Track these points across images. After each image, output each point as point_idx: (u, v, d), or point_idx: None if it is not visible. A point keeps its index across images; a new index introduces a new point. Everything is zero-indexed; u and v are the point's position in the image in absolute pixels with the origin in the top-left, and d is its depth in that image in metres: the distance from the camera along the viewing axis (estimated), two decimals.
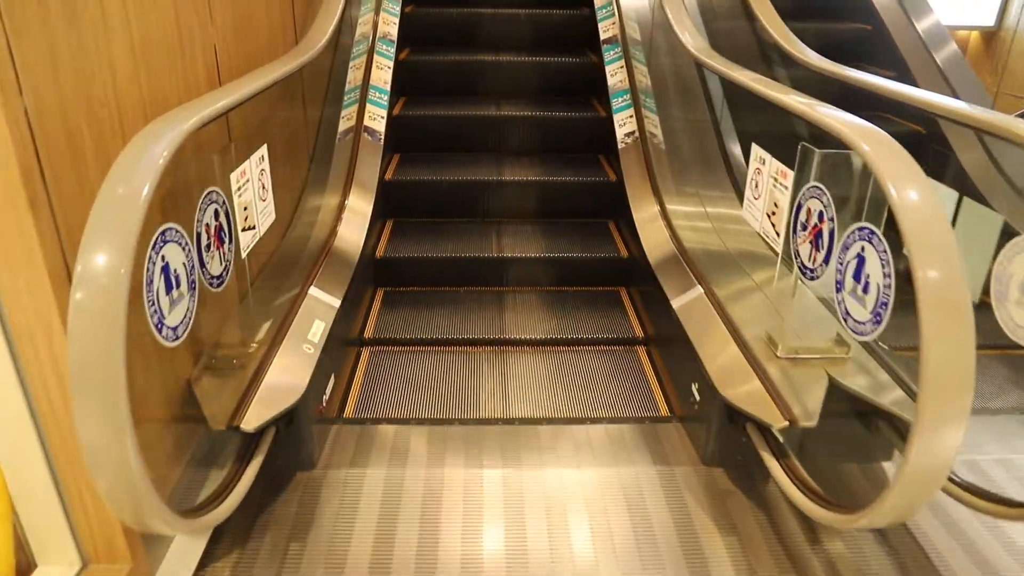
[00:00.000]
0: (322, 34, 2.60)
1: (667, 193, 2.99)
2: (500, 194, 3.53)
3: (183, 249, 1.40)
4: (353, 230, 2.81)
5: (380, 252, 3.20)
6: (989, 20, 5.86)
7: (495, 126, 3.81)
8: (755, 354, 2.07)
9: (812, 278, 1.70)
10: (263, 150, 1.90)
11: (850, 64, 2.46)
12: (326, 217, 2.81)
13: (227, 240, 1.65)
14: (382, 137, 3.35)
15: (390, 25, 3.75)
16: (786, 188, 1.76)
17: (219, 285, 1.61)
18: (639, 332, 2.93)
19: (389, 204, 3.47)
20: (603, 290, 3.29)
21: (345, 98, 3.35)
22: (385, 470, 2.15)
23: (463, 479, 2.12)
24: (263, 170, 1.89)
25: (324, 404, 2.23)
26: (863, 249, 1.42)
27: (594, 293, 3.27)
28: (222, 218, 1.62)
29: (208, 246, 1.55)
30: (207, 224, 1.54)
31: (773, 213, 1.85)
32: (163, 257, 1.32)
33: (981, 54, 5.92)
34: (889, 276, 1.33)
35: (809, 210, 1.67)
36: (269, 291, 2.28)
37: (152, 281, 1.28)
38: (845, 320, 1.49)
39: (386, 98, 3.50)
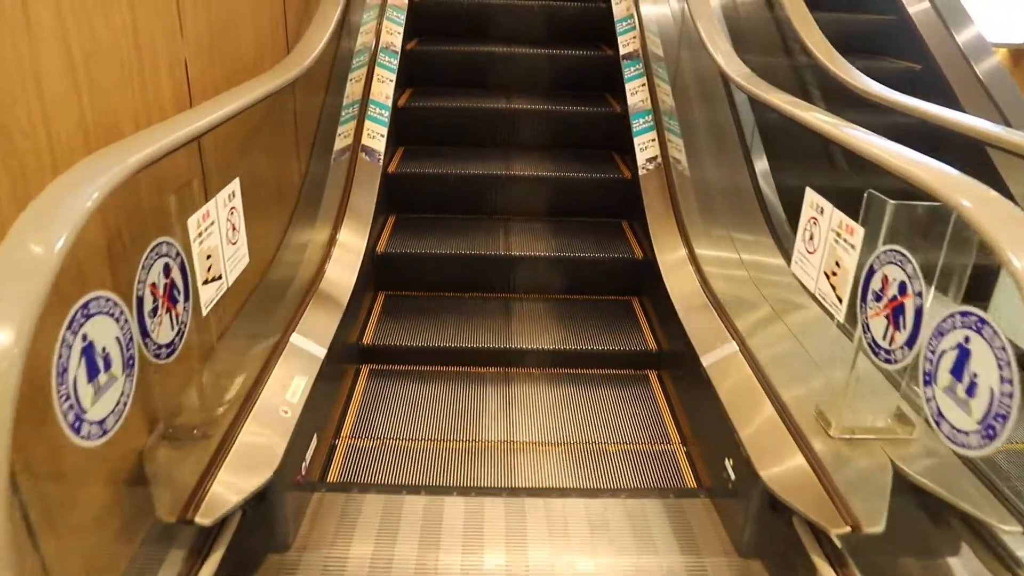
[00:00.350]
0: (313, 47, 2.32)
1: (693, 228, 2.70)
2: (508, 190, 3.37)
3: (116, 321, 1.11)
4: (343, 269, 2.52)
5: (381, 248, 3.00)
6: (1020, 37, 5.61)
7: (504, 120, 3.66)
8: (802, 430, 1.78)
9: (888, 361, 1.41)
10: (234, 185, 1.62)
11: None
12: (314, 253, 2.52)
13: (182, 298, 1.37)
14: (381, 157, 3.07)
15: (394, 35, 3.47)
16: (853, 247, 1.47)
17: (169, 355, 1.32)
18: (652, 345, 2.77)
19: (392, 198, 3.30)
20: (615, 300, 3.12)
21: (343, 113, 3.08)
22: (371, 549, 1.86)
23: (460, 566, 1.83)
24: (233, 209, 1.61)
25: (304, 472, 1.94)
26: (967, 340, 1.13)
27: (606, 303, 3.09)
28: (175, 273, 1.33)
29: (155, 310, 1.27)
30: (153, 284, 1.26)
31: (834, 273, 1.56)
32: (85, 336, 1.03)
33: (1010, 73, 5.64)
34: (1010, 382, 1.04)
35: (886, 278, 1.38)
36: (243, 339, 1.99)
37: (66, 370, 0.99)
38: (937, 424, 1.20)
39: (387, 114, 3.22)
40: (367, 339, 2.73)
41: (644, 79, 3.44)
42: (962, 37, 3.33)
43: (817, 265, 1.63)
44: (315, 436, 2.05)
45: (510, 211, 3.42)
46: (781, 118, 2.06)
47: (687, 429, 2.40)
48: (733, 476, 1.91)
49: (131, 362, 1.16)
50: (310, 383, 1.98)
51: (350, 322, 2.51)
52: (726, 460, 1.95)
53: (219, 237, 1.52)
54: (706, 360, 2.16)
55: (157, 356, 1.28)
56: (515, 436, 2.43)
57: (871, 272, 1.42)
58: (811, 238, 1.67)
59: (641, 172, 3.10)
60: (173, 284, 1.33)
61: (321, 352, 2.11)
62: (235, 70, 2.13)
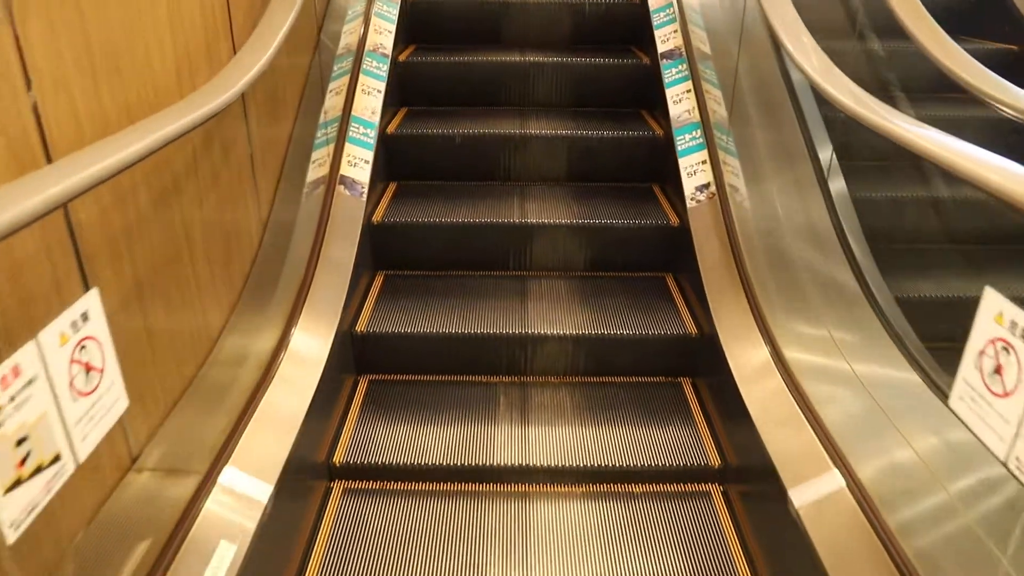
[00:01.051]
0: (261, 52, 1.73)
1: (770, 311, 2.06)
2: (523, 152, 3.02)
3: None
4: (310, 344, 1.93)
5: (378, 218, 2.65)
6: None
7: (519, 75, 3.29)
8: None
9: None
10: (87, 302, 1.04)
11: None
12: (269, 348, 1.94)
13: None
14: (365, 190, 2.49)
15: (383, 35, 2.88)
16: None
17: None
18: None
19: (392, 164, 2.94)
20: (647, 280, 2.73)
21: (318, 134, 2.49)
22: None
23: None
24: (86, 341, 1.03)
25: None
26: None
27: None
28: None
29: None
30: None
31: None
32: None
33: None
34: None
35: None
36: (153, 482, 1.42)
37: None
38: None
39: (373, 133, 2.64)
40: (361, 325, 2.42)
41: (689, 83, 2.81)
42: None
43: (1015, 421, 1.02)
44: None
45: (525, 177, 3.04)
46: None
47: (730, 455, 1.93)
48: None
49: None
50: (246, 549, 1.40)
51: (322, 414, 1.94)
52: None
53: (49, 399, 0.95)
54: (797, 496, 1.56)
55: None
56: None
57: None
58: (996, 371, 1.06)
59: (690, 204, 2.48)
60: None
61: (265, 492, 1.53)
62: (146, 101, 1.54)
